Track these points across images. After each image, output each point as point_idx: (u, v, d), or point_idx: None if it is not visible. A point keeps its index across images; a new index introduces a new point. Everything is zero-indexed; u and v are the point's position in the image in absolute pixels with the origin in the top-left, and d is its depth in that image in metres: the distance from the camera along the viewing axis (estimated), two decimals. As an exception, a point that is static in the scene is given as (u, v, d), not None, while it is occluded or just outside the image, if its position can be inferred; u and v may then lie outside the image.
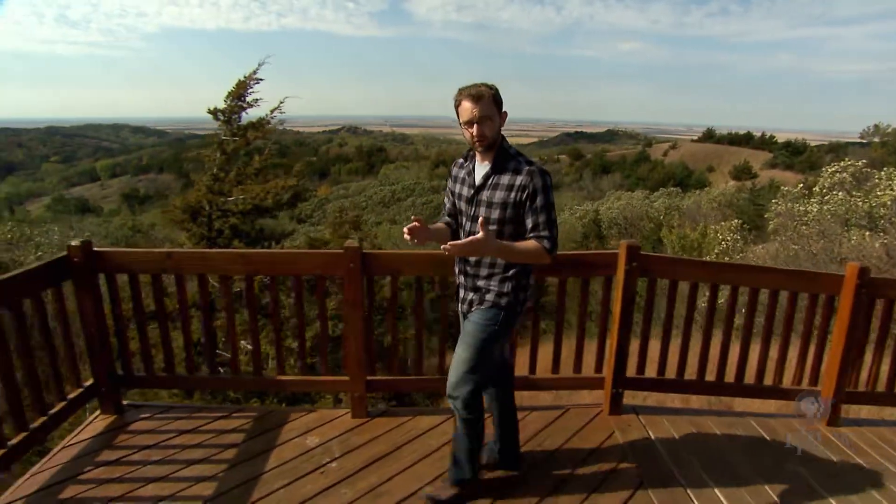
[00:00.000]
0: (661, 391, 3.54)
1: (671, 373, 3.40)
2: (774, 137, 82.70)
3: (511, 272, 2.30)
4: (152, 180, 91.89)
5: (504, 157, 2.26)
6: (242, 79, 6.08)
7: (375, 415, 3.19)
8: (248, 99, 6.86)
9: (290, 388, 3.29)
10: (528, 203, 2.19)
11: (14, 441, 2.55)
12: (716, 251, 19.08)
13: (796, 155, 67.36)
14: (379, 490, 2.57)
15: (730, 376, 3.47)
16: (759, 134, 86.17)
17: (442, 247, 2.10)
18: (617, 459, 2.90)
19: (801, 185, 18.32)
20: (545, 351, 3.41)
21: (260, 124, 7.13)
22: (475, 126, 2.19)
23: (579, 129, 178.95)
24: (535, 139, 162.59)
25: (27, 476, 2.61)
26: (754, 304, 3.25)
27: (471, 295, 2.36)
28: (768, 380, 3.45)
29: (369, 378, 3.15)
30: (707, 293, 3.46)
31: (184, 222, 5.97)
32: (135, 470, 2.66)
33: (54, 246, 26.05)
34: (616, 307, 3.17)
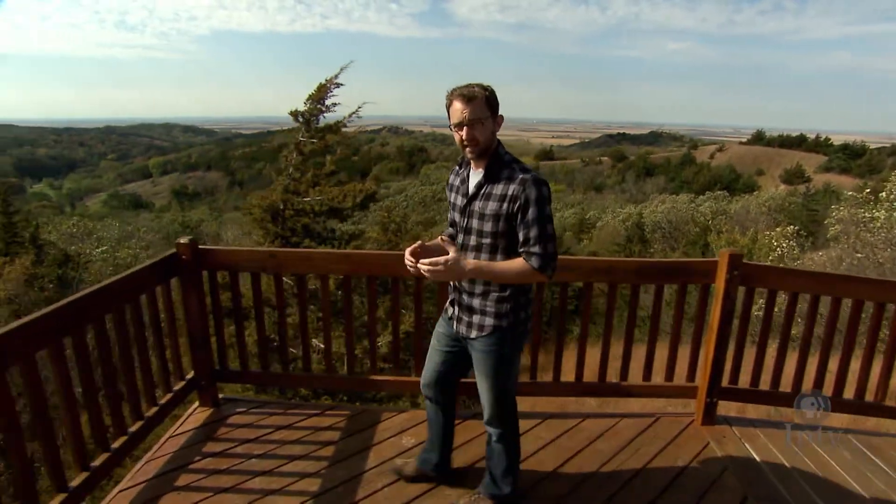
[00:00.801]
0: (757, 402, 3.43)
1: (765, 384, 3.29)
2: (830, 140, 79.16)
3: (507, 292, 2.13)
4: (200, 178, 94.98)
5: (498, 164, 2.07)
6: (323, 82, 6.21)
7: (467, 416, 3.20)
8: (328, 102, 6.99)
9: (384, 388, 3.32)
10: (519, 215, 2.00)
11: (133, 429, 2.67)
12: (770, 258, 18.39)
13: (854, 158, 64.36)
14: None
15: (828, 390, 3.33)
16: (812, 136, 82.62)
17: (407, 263, 2.03)
18: (717, 472, 2.82)
19: (867, 189, 17.46)
20: (612, 355, 3.33)
21: (337, 127, 7.26)
22: (465, 129, 2.00)
23: (622, 131, 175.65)
24: (577, 140, 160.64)
25: (143, 462, 2.73)
26: (879, 317, 3.09)
27: (465, 317, 2.21)
28: (869, 396, 3.30)
29: (463, 380, 3.15)
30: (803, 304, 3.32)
31: (263, 221, 6.12)
32: (240, 463, 2.74)
33: (113, 240, 27.23)
34: (714, 316, 3.09)
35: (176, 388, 3.03)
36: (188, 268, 2.95)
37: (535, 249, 2.00)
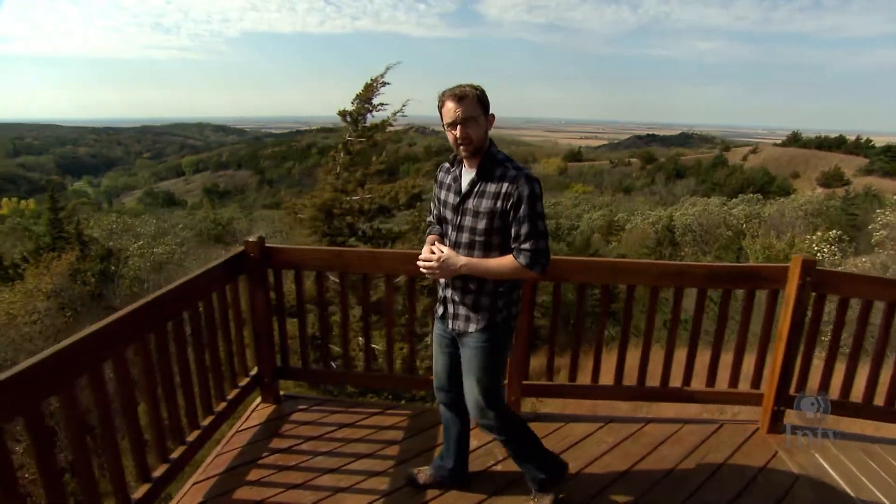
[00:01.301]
0: (826, 413, 3.32)
1: (834, 393, 3.19)
2: (871, 141, 76.51)
3: (502, 287, 2.14)
4: (231, 176, 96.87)
5: (491, 162, 2.09)
6: (370, 82, 6.26)
7: (528, 419, 3.18)
8: (374, 101, 7.04)
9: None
10: (512, 212, 2.03)
11: (205, 423, 2.73)
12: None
13: (897, 161, 62.06)
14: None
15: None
16: (852, 138, 79.99)
17: (421, 265, 2.03)
18: (788, 483, 2.75)
19: (916, 194, 16.83)
20: (677, 359, 3.27)
21: (383, 126, 7.31)
22: (458, 128, 2.02)
23: (651, 132, 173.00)
24: (605, 141, 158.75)
25: (213, 456, 2.78)
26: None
27: (461, 311, 2.20)
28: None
29: (525, 382, 3.15)
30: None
31: (315, 220, 6.20)
32: (307, 460, 2.77)
33: (149, 236, 27.97)
34: (784, 323, 3.01)
35: (241, 384, 3.08)
36: (255, 265, 3.00)
37: (526, 246, 2.02)
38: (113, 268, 19.20)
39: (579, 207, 48.63)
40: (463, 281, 2.15)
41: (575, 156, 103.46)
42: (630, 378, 3.28)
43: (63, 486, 1.85)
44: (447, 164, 2.27)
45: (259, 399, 3.28)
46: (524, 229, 2.01)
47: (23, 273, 16.58)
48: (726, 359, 3.25)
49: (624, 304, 3.17)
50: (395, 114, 7.35)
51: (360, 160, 6.77)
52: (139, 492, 2.25)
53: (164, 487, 2.36)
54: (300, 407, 3.23)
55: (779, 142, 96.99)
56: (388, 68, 6.33)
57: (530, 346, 3.18)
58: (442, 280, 2.25)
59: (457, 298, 2.19)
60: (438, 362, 2.42)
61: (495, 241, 2.08)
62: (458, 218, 2.13)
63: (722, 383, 3.28)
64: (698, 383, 3.28)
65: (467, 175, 2.14)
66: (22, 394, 1.70)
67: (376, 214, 6.76)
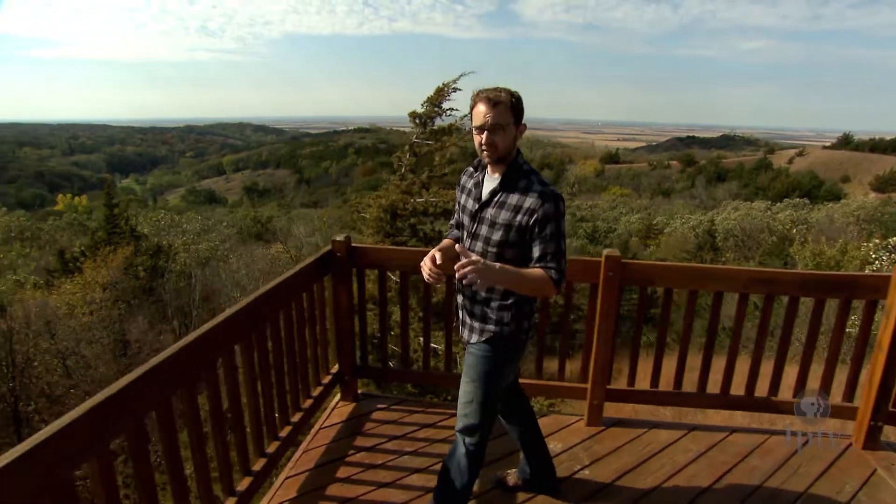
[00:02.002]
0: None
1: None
2: (929, 145, 72.89)
3: (510, 300, 2.06)
4: (270, 175, 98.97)
5: (515, 173, 2.00)
6: (441, 86, 6.29)
7: (610, 424, 3.14)
8: (444, 106, 7.07)
9: (526, 391, 3.30)
10: (535, 229, 1.94)
11: (294, 419, 2.78)
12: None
13: (959, 165, 58.95)
14: (639, 504, 2.52)
15: None
16: (908, 140, 76.38)
17: (458, 271, 1.77)
18: (892, 502, 2.63)
19: None
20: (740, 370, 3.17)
21: (450, 129, 7.34)
22: (485, 133, 1.94)
23: (691, 134, 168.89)
24: (643, 143, 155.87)
25: (301, 452, 2.83)
26: None
27: (468, 321, 2.14)
28: None
29: (609, 387, 3.10)
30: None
31: (381, 220, 6.28)
32: (394, 459, 2.79)
33: (194, 233, 28.82)
34: (886, 334, 2.87)
35: (324, 381, 3.13)
36: (341, 265, 3.03)
37: (553, 265, 1.94)
38: (162, 263, 19.85)
39: (616, 210, 47.94)
40: (472, 290, 2.10)
41: (612, 158, 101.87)
42: (714, 386, 3.20)
43: (184, 477, 1.91)
44: (470, 169, 2.20)
45: (338, 397, 3.32)
46: (550, 248, 1.94)
47: (81, 266, 17.30)
48: (812, 370, 3.13)
49: (711, 310, 3.09)
50: (463, 118, 7.34)
51: (425, 162, 6.80)
52: (242, 484, 2.30)
53: (263, 481, 2.41)
54: (379, 406, 3.26)
55: (828, 144, 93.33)
56: (461, 75, 6.37)
57: (613, 350, 3.12)
58: (458, 285, 2.17)
59: (468, 306, 2.14)
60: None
61: (508, 254, 2.00)
62: (475, 225, 2.07)
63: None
64: (785, 394, 3.17)
65: (489, 182, 2.07)
66: (158, 385, 1.75)
67: (439, 217, 6.77)
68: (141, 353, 14.55)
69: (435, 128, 7.21)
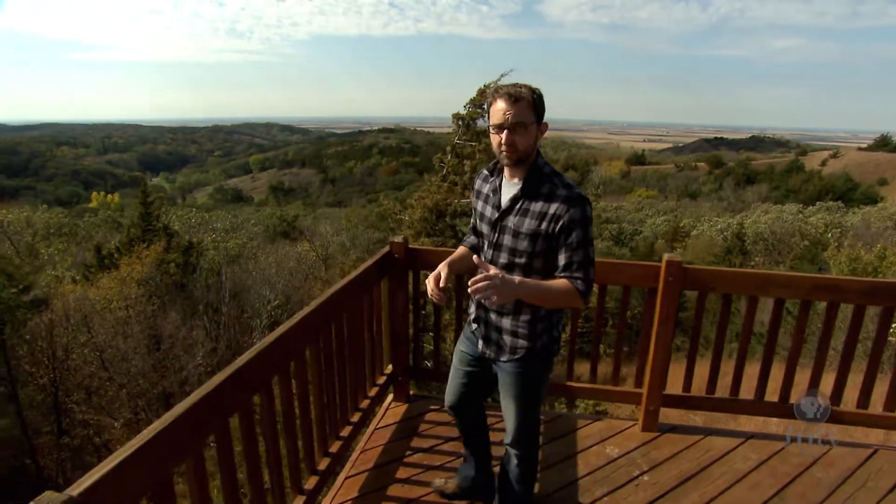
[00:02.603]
0: None
1: None
2: (973, 147, 70.33)
3: (543, 311, 1.96)
4: (295, 174, 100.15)
5: (537, 177, 1.86)
6: (483, 87, 6.29)
7: (665, 430, 3.11)
8: (486, 107, 7.01)
9: (580, 395, 3.30)
10: (562, 237, 1.81)
11: (353, 419, 2.81)
12: None
13: None
14: (703, 513, 2.49)
15: None
16: (950, 143, 73.86)
17: (472, 287, 1.65)
18: (966, 520, 2.54)
19: None
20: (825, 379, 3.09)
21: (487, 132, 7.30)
22: (505, 132, 1.79)
23: (719, 135, 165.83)
24: (669, 144, 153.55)
25: (358, 452, 2.86)
26: None
27: (494, 336, 2.04)
28: None
29: (665, 393, 3.07)
30: None
31: (426, 221, 6.31)
32: (451, 461, 2.80)
33: (221, 230, 29.33)
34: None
35: (379, 382, 3.15)
36: (399, 266, 3.05)
37: (579, 274, 1.82)
38: (193, 260, 20.23)
39: (642, 212, 47.37)
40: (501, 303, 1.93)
41: (638, 159, 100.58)
42: (772, 394, 3.14)
43: (262, 477, 1.94)
44: (486, 172, 2.07)
45: (391, 397, 3.34)
46: (577, 257, 1.82)
47: (117, 262, 17.74)
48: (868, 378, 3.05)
49: (771, 317, 3.03)
50: None
51: (468, 163, 6.81)
52: (309, 483, 2.33)
53: (327, 480, 2.44)
54: (431, 407, 3.27)
55: (864, 146, 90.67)
56: (502, 75, 6.31)
57: (669, 356, 3.09)
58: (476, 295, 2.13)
59: (492, 320, 2.03)
60: (455, 379, 2.28)
61: (536, 264, 1.88)
62: (496, 235, 1.94)
63: (875, 406, 3.08)
64: (848, 404, 3.09)
65: (509, 188, 1.93)
66: (244, 385, 1.79)
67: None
68: (174, 349, 14.86)
69: (477, 129, 7.20)
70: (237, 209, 49.91)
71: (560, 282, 1.83)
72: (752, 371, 3.21)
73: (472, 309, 2.14)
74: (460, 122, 6.68)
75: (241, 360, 1.78)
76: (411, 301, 3.24)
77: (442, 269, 1.96)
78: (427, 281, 1.97)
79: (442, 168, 6.79)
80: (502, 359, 2.04)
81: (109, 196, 59.82)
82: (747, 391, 3.17)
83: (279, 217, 40.66)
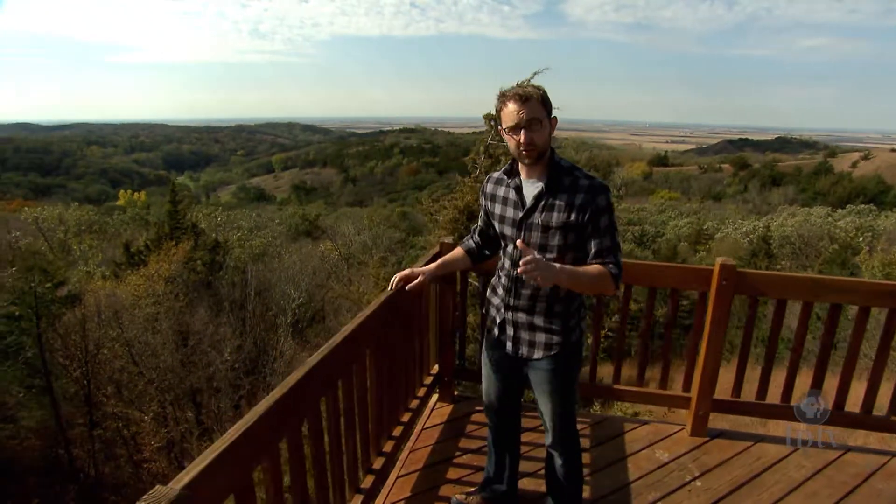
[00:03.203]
0: None
1: None
2: None
3: (574, 305, 2.02)
4: (317, 174, 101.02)
5: (558, 172, 1.92)
6: (516, 86, 6.24)
7: (714, 435, 3.07)
8: None
9: (626, 399, 3.27)
10: (590, 224, 1.87)
11: (403, 419, 2.82)
12: None
13: None
14: (760, 523, 2.45)
15: None
16: None
17: (521, 268, 1.71)
18: None
19: None
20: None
21: None
22: (522, 132, 1.84)
23: (744, 136, 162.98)
24: (693, 145, 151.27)
25: (407, 452, 2.87)
26: None
27: (526, 336, 2.05)
28: None
29: (715, 398, 3.03)
30: None
31: (457, 222, 6.32)
32: (501, 462, 2.79)
33: (246, 229, 29.71)
34: None
35: (426, 382, 3.16)
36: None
37: (611, 259, 1.89)
38: (219, 258, 20.54)
39: (665, 214, 46.77)
40: (529, 301, 2.02)
41: (660, 160, 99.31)
42: (826, 401, 3.07)
43: (326, 471, 1.96)
44: (498, 175, 2.11)
45: (436, 398, 3.34)
46: (606, 243, 1.89)
47: (146, 259, 18.10)
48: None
49: (827, 323, 2.97)
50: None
51: (504, 161, 6.75)
52: (366, 482, 2.35)
53: (382, 479, 2.45)
54: (477, 408, 3.26)
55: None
56: (534, 73, 6.25)
57: (720, 360, 3.04)
58: (496, 299, 2.14)
59: (521, 320, 2.05)
60: (490, 383, 2.31)
61: (568, 257, 1.92)
62: (523, 234, 1.97)
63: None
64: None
65: (530, 186, 1.97)
66: (316, 387, 1.80)
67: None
68: (201, 345, 15.10)
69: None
70: (260, 208, 50.52)
71: (594, 267, 1.88)
72: (802, 377, 3.16)
73: (495, 312, 2.16)
74: (493, 123, 6.62)
75: (312, 360, 1.80)
76: (459, 300, 3.24)
77: (422, 273, 2.27)
78: (397, 275, 2.28)
79: (475, 169, 6.76)
80: (536, 356, 2.06)
81: (136, 194, 61.06)
82: (799, 398, 3.11)
83: (301, 216, 41.08)
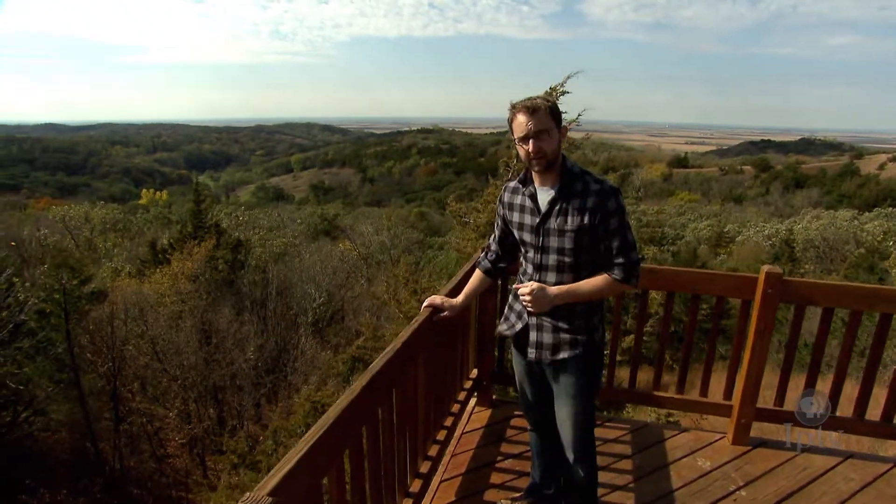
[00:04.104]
0: None
1: None
2: None
3: (595, 302, 2.09)
4: (335, 174, 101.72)
5: (569, 178, 2.01)
6: (549, 90, 6.23)
7: (756, 444, 3.03)
8: None
9: (666, 406, 3.25)
10: (601, 227, 1.96)
11: (446, 423, 2.83)
12: None
13: None
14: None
15: None
16: None
17: (522, 296, 2.01)
18: None
19: None
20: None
21: None
22: (531, 142, 1.94)
23: (766, 137, 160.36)
24: (713, 147, 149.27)
25: (449, 456, 2.88)
26: None
27: (550, 339, 2.09)
28: None
29: (759, 406, 2.99)
30: None
31: (492, 224, 6.30)
32: (543, 467, 2.79)
33: (267, 228, 30.04)
34: None
35: (466, 386, 3.17)
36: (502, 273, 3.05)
37: (620, 260, 1.98)
38: (241, 257, 20.78)
39: (685, 216, 46.24)
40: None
41: (680, 162, 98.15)
42: (874, 412, 3.02)
43: (381, 475, 1.98)
44: (514, 184, 2.19)
45: (474, 402, 3.35)
46: (616, 243, 1.98)
47: (170, 257, 18.39)
48: None
49: (876, 333, 2.91)
50: (571, 123, 7.21)
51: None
52: (414, 486, 2.36)
53: (427, 483, 2.47)
54: (516, 413, 3.27)
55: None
56: (567, 77, 6.20)
57: (764, 369, 3.00)
58: (518, 305, 2.19)
59: (545, 324, 2.09)
60: (526, 393, 2.35)
61: (584, 259, 2.01)
62: (541, 239, 2.05)
63: None
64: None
65: (544, 193, 2.06)
66: (375, 395, 1.82)
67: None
68: (224, 343, 15.29)
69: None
70: (279, 207, 51.05)
71: (596, 278, 2.01)
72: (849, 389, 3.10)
73: (516, 318, 2.20)
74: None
75: (373, 368, 1.82)
76: (500, 305, 3.24)
77: (450, 309, 2.37)
78: (428, 300, 2.37)
79: (508, 171, 6.75)
80: (561, 356, 2.08)
81: (158, 193, 62.13)
82: (846, 409, 3.06)
83: (320, 216, 41.40)
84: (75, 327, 14.45)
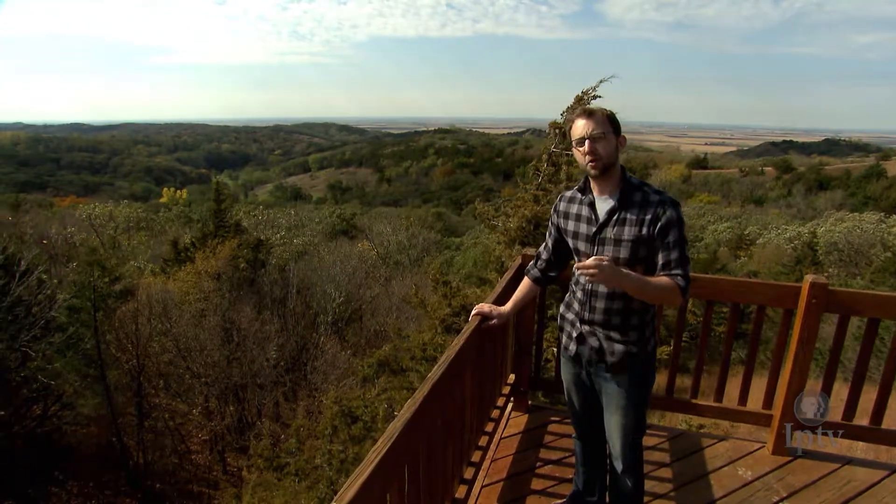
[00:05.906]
0: None
1: None
2: None
3: (649, 315, 2.09)
4: (352, 174, 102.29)
5: (629, 188, 2.02)
6: (580, 94, 6.24)
7: (796, 454, 3.00)
8: None
9: (706, 414, 3.24)
10: (659, 238, 1.95)
11: (487, 429, 2.86)
12: None
13: None
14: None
15: None
16: None
17: (575, 268, 1.95)
18: None
19: None
20: None
21: None
22: (587, 143, 1.97)
23: (788, 138, 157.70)
24: (733, 148, 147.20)
25: (489, 462, 2.89)
26: None
27: (605, 345, 2.09)
28: None
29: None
30: None
31: (523, 230, 6.34)
32: (583, 475, 2.80)
33: (286, 227, 30.30)
34: None
35: (504, 392, 3.19)
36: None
37: (678, 272, 1.95)
38: (261, 256, 21.01)
39: (704, 218, 45.68)
40: (605, 315, 2.07)
41: (700, 163, 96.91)
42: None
43: (435, 481, 2.01)
44: (570, 193, 2.21)
45: (510, 407, 3.37)
46: (674, 255, 1.96)
47: (192, 256, 18.67)
48: None
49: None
50: None
51: (564, 170, 6.73)
52: (459, 491, 2.39)
53: (472, 488, 2.49)
54: (553, 419, 3.28)
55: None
56: (600, 81, 6.18)
57: (806, 379, 2.97)
58: (570, 314, 2.20)
59: (599, 332, 2.10)
60: (574, 403, 2.35)
61: (639, 271, 2.00)
62: (595, 248, 2.06)
63: None
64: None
65: (602, 203, 2.07)
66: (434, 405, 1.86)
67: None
68: (246, 342, 15.48)
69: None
70: (297, 207, 51.50)
71: (661, 278, 1.96)
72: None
73: (570, 327, 2.21)
74: (557, 131, 6.61)
75: (432, 376, 1.86)
76: (537, 312, 3.26)
77: (498, 317, 2.38)
78: (477, 308, 2.39)
79: (537, 176, 6.75)
80: (616, 362, 2.09)
81: (178, 192, 63.06)
82: (889, 421, 3.02)
83: (338, 215, 41.68)
84: (104, 323, 14.75)
